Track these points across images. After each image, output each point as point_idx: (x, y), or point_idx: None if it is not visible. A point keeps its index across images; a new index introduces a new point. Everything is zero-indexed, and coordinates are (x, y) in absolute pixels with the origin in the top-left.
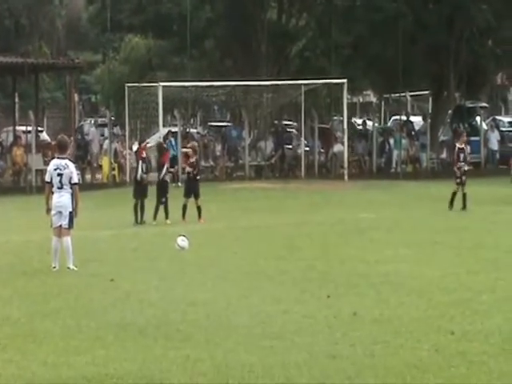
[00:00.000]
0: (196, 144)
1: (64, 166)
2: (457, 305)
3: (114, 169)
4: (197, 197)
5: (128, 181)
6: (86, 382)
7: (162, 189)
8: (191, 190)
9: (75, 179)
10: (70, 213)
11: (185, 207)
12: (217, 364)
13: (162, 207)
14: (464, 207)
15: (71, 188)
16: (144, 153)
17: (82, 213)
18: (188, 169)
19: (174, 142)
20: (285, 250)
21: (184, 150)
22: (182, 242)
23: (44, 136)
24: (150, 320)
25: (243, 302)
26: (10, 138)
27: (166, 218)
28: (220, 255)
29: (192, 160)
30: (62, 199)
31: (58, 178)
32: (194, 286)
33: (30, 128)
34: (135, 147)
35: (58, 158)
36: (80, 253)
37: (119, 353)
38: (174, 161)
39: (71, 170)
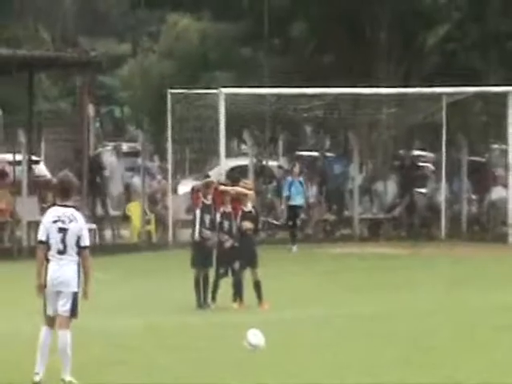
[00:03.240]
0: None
1: (69, 218)
2: None
3: (148, 222)
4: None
5: (170, 240)
6: None
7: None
8: (244, 256)
9: (85, 240)
10: (75, 293)
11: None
12: None
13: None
14: None
15: (78, 254)
16: (205, 197)
17: (96, 292)
18: (248, 225)
19: None
20: (412, 355)
21: (223, 188)
22: (253, 337)
23: (41, 169)
24: None
25: None
26: None
27: (233, 299)
28: (307, 361)
29: (246, 209)
30: (62, 272)
31: (60, 235)
32: None
33: (19, 157)
34: (184, 188)
35: (60, 205)
36: (91, 352)
37: None
38: None
39: (80, 226)
